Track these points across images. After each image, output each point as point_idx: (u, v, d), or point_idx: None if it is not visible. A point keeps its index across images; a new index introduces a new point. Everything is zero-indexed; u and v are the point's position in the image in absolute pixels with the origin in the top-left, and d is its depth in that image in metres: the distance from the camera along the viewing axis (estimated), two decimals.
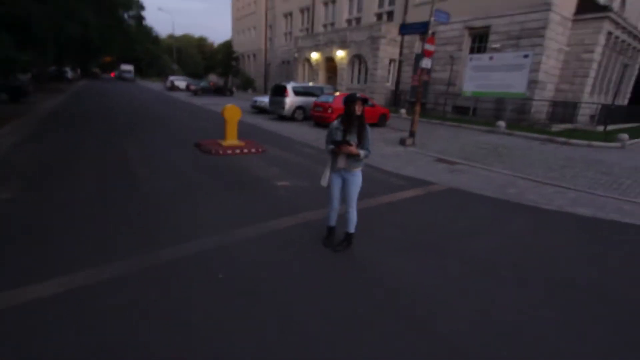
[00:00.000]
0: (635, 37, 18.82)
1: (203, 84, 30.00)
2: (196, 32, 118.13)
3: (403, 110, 17.82)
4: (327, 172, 3.31)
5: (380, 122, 13.49)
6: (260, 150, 7.71)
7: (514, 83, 13.80)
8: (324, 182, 3.33)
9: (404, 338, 2.23)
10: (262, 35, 38.59)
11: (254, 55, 41.14)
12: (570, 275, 3.18)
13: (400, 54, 21.11)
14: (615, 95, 15.41)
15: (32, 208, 4.06)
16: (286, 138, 10.17)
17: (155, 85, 43.86)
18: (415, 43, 20.39)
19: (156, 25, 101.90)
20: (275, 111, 14.24)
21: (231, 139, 7.75)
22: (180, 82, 34.02)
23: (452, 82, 17.92)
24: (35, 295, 2.47)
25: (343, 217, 3.41)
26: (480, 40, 17.78)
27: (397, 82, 21.38)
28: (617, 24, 16.30)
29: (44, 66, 24.03)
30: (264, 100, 16.35)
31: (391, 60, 21.35)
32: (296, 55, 28.15)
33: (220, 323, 2.28)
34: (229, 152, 7.27)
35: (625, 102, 21.96)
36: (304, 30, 30.92)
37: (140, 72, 63.65)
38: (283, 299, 2.58)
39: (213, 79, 45.44)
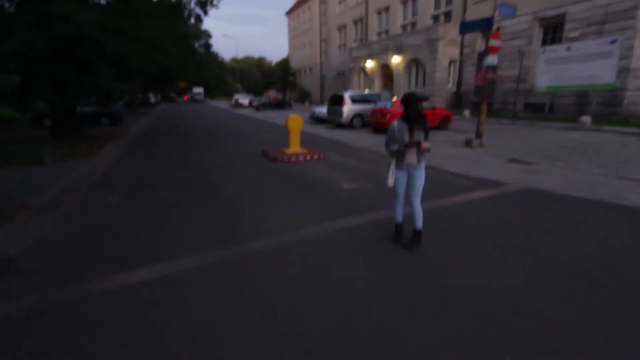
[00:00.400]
0: None
1: (264, 99, 31.93)
2: (255, 54, 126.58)
3: (466, 112, 16.89)
4: (392, 171, 3.32)
5: (442, 124, 12.96)
6: (322, 156, 7.98)
7: (599, 73, 12.24)
8: (390, 182, 3.33)
9: (478, 335, 2.14)
10: (317, 50, 39.95)
11: (310, 69, 42.66)
12: None
13: (461, 54, 20.14)
14: None
15: (135, 208, 4.76)
16: (345, 145, 10.33)
17: (222, 104, 47.89)
18: (477, 41, 19.32)
19: (221, 51, 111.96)
20: (333, 120, 14.56)
21: (294, 147, 8.15)
22: (244, 100, 36.65)
23: (522, 78, 16.51)
24: (147, 277, 2.90)
25: (409, 214, 3.39)
26: (553, 30, 16.18)
27: (459, 83, 20.37)
28: None
29: (133, 94, 27.91)
30: (322, 110, 16.83)
31: (451, 61, 20.49)
32: (351, 65, 28.54)
33: (295, 304, 2.44)
34: (293, 159, 7.65)
35: None
36: (358, 40, 31.28)
37: (209, 93, 70.18)
38: (353, 289, 2.66)
39: (272, 94, 48.10)
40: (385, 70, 24.90)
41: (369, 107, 13.72)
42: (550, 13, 15.79)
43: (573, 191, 5.16)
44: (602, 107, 13.62)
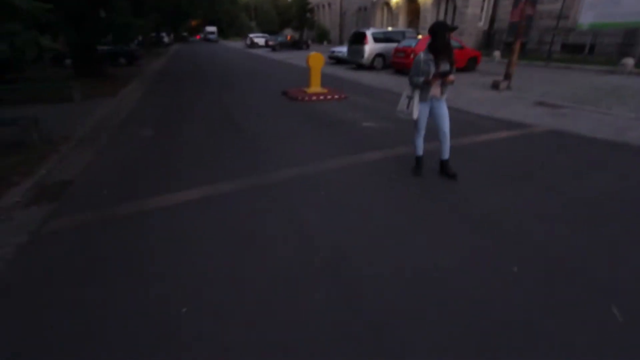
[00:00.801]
0: None
1: (280, 39, 30.43)
2: None
3: (497, 53, 15.76)
4: (416, 104, 3.36)
5: (470, 66, 12.26)
6: (342, 97, 7.89)
7: None
8: (415, 115, 3.40)
9: (493, 252, 2.38)
10: None
11: (329, 5, 39.53)
12: None
13: None
14: None
15: (168, 141, 5.05)
16: (366, 86, 10.07)
17: (236, 44, 45.98)
18: None
19: None
20: (354, 60, 13.96)
21: (315, 87, 8.05)
22: (259, 39, 35.02)
23: (564, 14, 14.94)
24: (187, 197, 3.24)
25: (437, 147, 3.51)
26: None
27: (492, 21, 18.66)
28: None
29: (147, 33, 27.06)
30: (342, 50, 16.05)
31: None
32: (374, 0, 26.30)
33: (323, 222, 2.72)
34: (314, 98, 7.62)
35: None
36: None
37: (222, 32, 67.04)
38: (375, 216, 2.91)
39: (288, 33, 45.55)
40: (412, 5, 22.89)
41: (392, 46, 12.98)
42: None
43: (600, 134, 5.06)
44: None
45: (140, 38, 25.19)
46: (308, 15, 41.94)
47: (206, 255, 2.39)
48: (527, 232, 2.59)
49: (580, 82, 9.60)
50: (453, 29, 3.09)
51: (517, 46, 8.50)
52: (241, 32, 66.66)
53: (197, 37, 67.56)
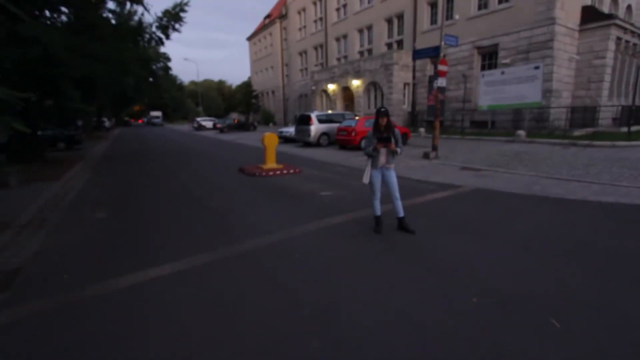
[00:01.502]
0: None
1: (228, 121, 32.08)
2: (215, 77, 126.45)
3: (422, 130, 18.49)
4: (368, 171, 4.04)
5: (402, 140, 14.15)
6: (297, 171, 8.52)
7: (528, 94, 14.29)
8: (366, 180, 4.05)
9: (448, 293, 2.77)
10: (279, 73, 41.18)
11: (273, 92, 43.66)
12: (596, 242, 3.61)
13: (414, 77, 22.14)
14: (634, 96, 15.48)
15: (126, 221, 4.93)
16: (317, 161, 10.99)
17: (182, 127, 46.92)
18: (427, 66, 21.44)
19: (180, 74, 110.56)
20: (301, 139, 15.27)
21: (270, 163, 8.63)
22: (207, 122, 36.44)
23: (467, 98, 18.58)
24: (159, 273, 3.20)
25: (391, 209, 4.04)
26: (490, 57, 18.57)
27: (413, 104, 22.25)
28: (624, 29, 16.72)
29: (89, 117, 26.72)
30: (290, 130, 17.53)
31: (405, 84, 22.38)
32: (313, 88, 29.86)
33: (302, 280, 2.91)
34: (271, 173, 8.12)
35: None
36: (319, 64, 32.92)
37: (167, 117, 68.47)
38: (352, 268, 3.19)
39: (234, 116, 48.17)
40: (346, 92, 26.43)
41: (334, 126, 14.65)
42: (486, 43, 18.15)
43: (514, 189, 6.18)
44: (533, 123, 15.77)
45: (80, 122, 24.69)
46: (253, 100, 45.49)
47: (193, 324, 2.39)
48: (474, 269, 3.07)
49: (489, 150, 11.65)
50: (385, 112, 3.91)
51: (437, 124, 10.31)
52: (186, 116, 68.79)
53: (140, 121, 67.74)
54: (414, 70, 22.02)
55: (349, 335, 2.21)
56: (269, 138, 8.60)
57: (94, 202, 6.24)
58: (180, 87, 73.71)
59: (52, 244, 4.14)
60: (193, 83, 78.59)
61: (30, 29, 8.09)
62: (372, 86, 23.64)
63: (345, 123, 13.83)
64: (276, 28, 40.80)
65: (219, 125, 30.98)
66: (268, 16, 44.87)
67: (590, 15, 16.40)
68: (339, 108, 26.71)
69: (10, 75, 8.21)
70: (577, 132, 13.93)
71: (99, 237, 4.34)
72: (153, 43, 14.80)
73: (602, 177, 6.86)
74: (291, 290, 2.82)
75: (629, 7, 20.92)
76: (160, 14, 13.73)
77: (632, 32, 17.52)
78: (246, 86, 50.16)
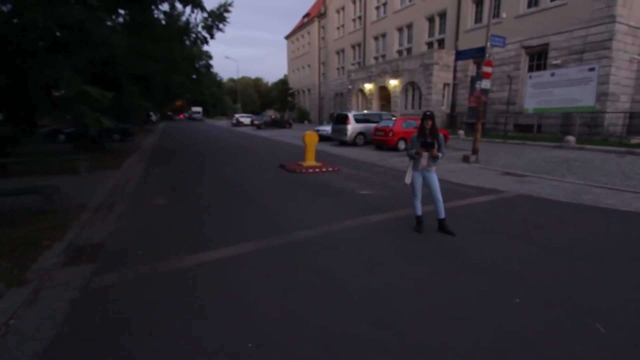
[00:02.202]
0: None
1: (265, 118, 33.06)
2: (252, 74, 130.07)
3: (461, 132, 18.00)
4: (410, 172, 4.18)
5: None
6: (336, 169, 8.77)
7: (580, 97, 13.47)
8: (408, 180, 4.20)
9: (477, 287, 2.87)
10: (315, 72, 41.65)
11: (309, 90, 44.25)
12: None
13: (454, 77, 21.54)
14: None
15: (183, 209, 5.44)
16: (354, 160, 11.17)
17: (221, 122, 48.95)
18: (469, 66, 20.79)
19: (220, 72, 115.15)
20: (338, 138, 15.49)
21: (310, 161, 8.94)
22: (245, 119, 37.79)
23: (511, 101, 17.81)
24: (219, 256, 3.58)
25: (431, 210, 4.16)
26: (538, 58, 17.64)
27: (453, 105, 21.66)
28: None
29: (139, 111, 28.77)
30: (326, 129, 17.80)
31: (445, 85, 21.85)
32: (350, 87, 29.94)
33: (348, 270, 3.14)
34: (310, 170, 8.42)
35: None
36: (356, 63, 32.91)
37: (206, 112, 71.66)
38: (393, 263, 3.37)
39: (270, 113, 49.46)
40: (383, 91, 26.26)
41: (370, 126, 14.72)
42: (535, 42, 17.27)
43: (560, 197, 5.99)
44: (585, 128, 14.82)
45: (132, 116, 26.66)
46: (289, 98, 46.39)
47: (254, 300, 2.71)
48: (515, 271, 3.13)
49: (534, 155, 11.17)
50: (430, 115, 4.01)
51: (479, 126, 10.09)
52: (224, 112, 71.58)
53: (182, 115, 71.29)
54: (454, 71, 21.41)
55: (391, 320, 2.41)
56: (310, 136, 8.91)
57: (153, 189, 6.88)
58: (219, 84, 76.76)
59: (124, 225, 4.69)
60: (231, 80, 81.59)
61: (98, 32, 9.01)
62: (410, 86, 23.31)
63: (383, 123, 13.85)
64: (314, 27, 41.23)
65: (256, 122, 32.01)
66: (307, 15, 45.46)
67: None
68: (375, 108, 26.61)
69: (83, 75, 9.19)
70: (636, 140, 12.93)
71: (161, 221, 4.85)
72: (198, 42, 15.72)
73: None
74: (338, 278, 3.07)
75: None
76: (205, 15, 14.54)
77: None
78: (282, 84, 51.24)
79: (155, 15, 14.00)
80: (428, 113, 4.05)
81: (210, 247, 3.80)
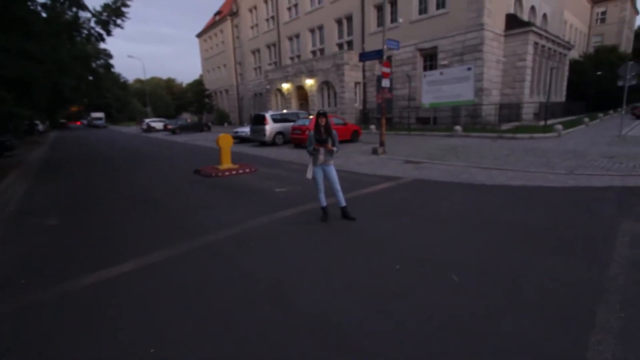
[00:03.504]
0: (558, 44, 21.94)
1: (180, 122, 31.00)
2: (163, 75, 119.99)
3: (372, 126, 19.57)
4: (311, 168, 4.57)
5: (353, 138, 15.01)
6: (253, 170, 8.83)
7: (463, 92, 15.87)
8: (309, 175, 4.58)
9: (389, 262, 3.39)
10: (232, 72, 40.51)
11: (226, 91, 42.82)
12: (500, 217, 4.48)
13: (364, 77, 23.25)
14: (549, 94, 17.86)
15: (79, 227, 4.96)
16: (272, 160, 11.35)
17: (129, 129, 44.27)
18: (375, 66, 22.63)
19: (124, 72, 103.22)
20: (257, 139, 15.47)
21: (226, 163, 8.84)
22: (157, 123, 34.82)
23: (412, 97, 20.01)
24: (124, 270, 3.44)
25: (335, 201, 4.60)
26: (431, 59, 20.15)
27: (364, 102, 23.37)
28: (540, 35, 19.14)
29: (20, 120, 24.33)
30: (245, 130, 17.60)
31: (356, 83, 23.42)
32: (268, 87, 29.94)
33: (259, 264, 3.35)
34: (227, 173, 8.35)
35: (563, 99, 24.97)
36: (273, 63, 33.02)
37: (110, 118, 63.87)
38: (301, 251, 3.69)
39: (186, 116, 46.52)
40: (300, 91, 26.93)
41: (288, 125, 15.06)
42: (427, 45, 19.67)
43: (445, 178, 7.10)
44: (469, 118, 17.53)
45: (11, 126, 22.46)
46: (206, 100, 44.22)
47: (159, 308, 2.73)
48: (402, 243, 3.72)
49: (431, 144, 12.84)
50: (323, 114, 4.44)
51: (383, 121, 11.18)
52: (133, 117, 64.79)
53: (78, 123, 62.30)
54: (363, 70, 23.12)
55: (293, 301, 2.70)
56: (224, 139, 8.80)
57: (42, 209, 6.07)
58: (124, 85, 69.03)
59: (2, 253, 4.11)
60: (139, 81, 74.01)
61: None
62: (325, 85, 24.38)
63: (299, 122, 14.30)
64: (227, 25, 40.02)
65: (170, 127, 29.82)
66: (219, 13, 43.81)
67: (512, 22, 18.52)
68: (294, 107, 27.13)
69: None
70: (505, 126, 15.77)
71: (53, 242, 4.38)
72: (92, 39, 14.04)
73: (517, 164, 8.08)
74: (248, 271, 3.25)
75: (544, 16, 23.84)
76: (99, 8, 13.09)
77: (547, 38, 20.07)
78: (198, 84, 48.56)
79: (32, 8, 12.05)
80: (321, 111, 4.46)
81: (114, 263, 3.61)
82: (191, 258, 3.65)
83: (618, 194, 5.35)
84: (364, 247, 3.72)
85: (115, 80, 60.53)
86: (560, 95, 24.75)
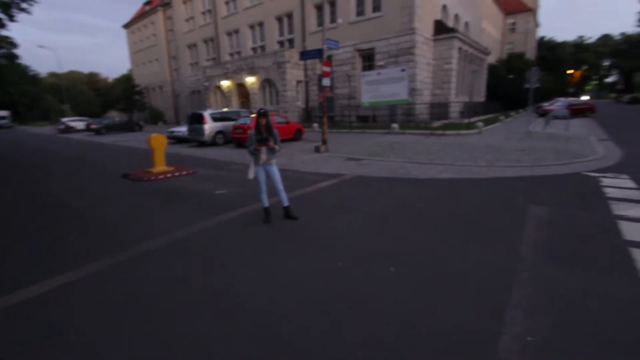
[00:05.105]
0: (478, 50, 24.44)
1: (107, 121, 28.05)
2: (85, 68, 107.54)
3: (315, 125, 19.78)
4: (252, 167, 4.45)
5: (297, 136, 15.01)
6: (191, 172, 8.33)
7: (398, 92, 16.83)
8: (251, 175, 4.47)
9: (326, 256, 3.44)
10: (166, 67, 37.84)
11: (160, 87, 39.87)
12: (432, 209, 4.83)
13: (306, 75, 23.37)
14: (471, 95, 19.85)
15: None
16: (212, 160, 10.84)
17: (44, 129, 38.86)
18: (317, 65, 22.87)
19: (37, 64, 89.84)
20: (195, 138, 14.64)
21: (160, 166, 8.21)
22: (78, 123, 31.04)
23: (352, 96, 20.67)
24: (32, 294, 2.99)
25: (278, 201, 4.54)
26: (369, 59, 21.00)
27: (307, 100, 23.52)
28: (463, 41, 21.12)
29: None
30: (181, 129, 16.54)
31: (298, 82, 23.44)
32: (206, 84, 28.52)
33: (201, 270, 3.16)
34: (161, 177, 7.74)
35: (483, 99, 27.91)
36: (211, 59, 31.53)
37: (19, 117, 55.31)
38: (242, 254, 3.56)
39: (113, 115, 42.37)
40: (241, 88, 26.13)
41: (229, 124, 14.51)
42: (365, 46, 20.45)
43: (384, 174, 7.45)
44: (404, 117, 18.68)
45: None
46: (137, 96, 40.63)
47: (93, 333, 2.42)
48: (343, 239, 3.81)
49: (371, 141, 13.40)
50: (264, 113, 4.35)
51: (325, 120, 11.36)
52: (49, 116, 56.96)
53: None
54: (305, 69, 23.24)
55: (238, 306, 2.60)
56: (156, 139, 8.15)
57: None
58: (34, 79, 60.10)
59: None
60: (53, 75, 65.12)
61: None
62: (267, 83, 24.00)
63: (241, 120, 13.88)
64: (159, 17, 37.23)
65: (94, 126, 26.79)
66: (148, 2, 40.54)
67: (440, 28, 20.12)
68: (235, 105, 26.26)
69: None
70: (436, 124, 17.09)
71: None
72: None
73: (446, 159, 8.80)
74: (185, 281, 3.04)
75: (466, 24, 26.33)
76: None
77: (469, 44, 22.20)
78: (126, 80, 44.50)
79: None
80: (262, 111, 4.36)
81: (21, 286, 3.11)
82: (120, 272, 3.31)
83: (527, 183, 6.13)
84: (307, 247, 3.72)
85: (22, 73, 52.50)
86: (481, 96, 27.61)
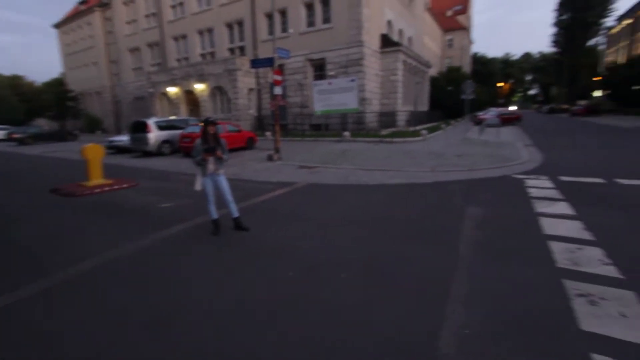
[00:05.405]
0: (421, 62, 26.22)
1: (34, 130, 25.14)
2: (6, 71, 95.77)
3: (268, 133, 19.62)
4: (199, 179, 4.27)
5: (249, 145, 14.75)
6: (132, 184, 7.74)
7: (348, 101, 17.38)
8: (198, 187, 4.28)
9: (279, 266, 3.39)
10: (105, 72, 35.15)
11: (98, 93, 36.82)
12: (380, 214, 5.01)
13: (258, 83, 23.17)
14: (416, 104, 21.17)
15: None
16: (157, 171, 10.21)
17: None
18: (269, 73, 22.78)
19: None
20: (139, 148, 13.69)
21: (96, 179, 7.52)
22: None
23: (304, 104, 20.90)
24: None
25: (227, 212, 4.39)
26: (320, 69, 21.45)
27: (259, 108, 23.28)
28: (407, 54, 22.52)
29: None
30: (122, 139, 15.40)
31: (250, 90, 23.14)
32: (151, 90, 26.96)
33: (138, 298, 2.93)
34: (97, 190, 7.09)
35: (426, 108, 29.89)
36: (156, 64, 29.92)
37: None
38: (190, 269, 3.38)
39: (42, 123, 38.15)
40: (190, 96, 25.10)
41: (177, 133, 13.82)
42: (316, 56, 20.87)
43: (336, 181, 7.60)
44: (355, 125, 19.31)
45: None
46: (71, 103, 37.09)
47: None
48: (295, 248, 3.80)
49: (323, 149, 13.61)
50: (212, 122, 4.22)
51: (277, 128, 11.32)
52: None
53: None
54: (257, 77, 23.05)
55: (183, 330, 2.45)
56: (92, 149, 7.46)
57: None
58: None
59: None
60: None
61: None
62: (217, 90, 23.36)
63: (190, 129, 13.29)
64: (96, 17, 34.60)
65: (17, 135, 23.85)
66: (84, 2, 37.45)
67: (386, 42, 21.25)
68: (184, 113, 25.13)
69: None
70: (384, 132, 17.89)
71: None
72: None
73: (394, 165, 9.23)
74: (123, 307, 2.80)
75: (409, 39, 28.15)
76: None
77: (413, 57, 23.71)
78: (58, 84, 40.41)
79: None
80: (210, 119, 4.22)
81: None
82: (45, 299, 2.94)
83: (465, 186, 6.65)
84: (258, 258, 3.64)
85: None
86: (424, 105, 29.55)
